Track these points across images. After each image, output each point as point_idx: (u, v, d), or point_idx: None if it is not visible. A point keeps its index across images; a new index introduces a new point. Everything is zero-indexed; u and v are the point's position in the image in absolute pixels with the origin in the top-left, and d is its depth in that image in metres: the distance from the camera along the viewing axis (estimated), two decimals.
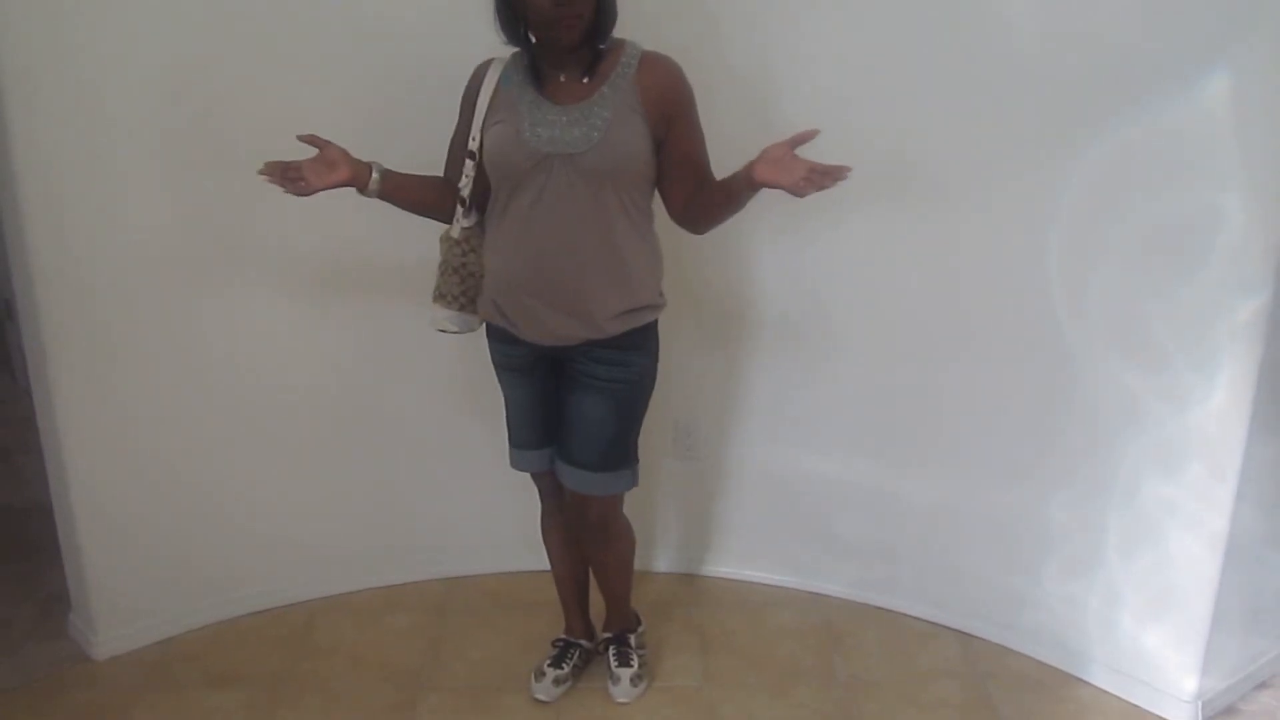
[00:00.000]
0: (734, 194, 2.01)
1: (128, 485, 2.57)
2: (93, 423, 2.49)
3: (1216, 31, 2.11)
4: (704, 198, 2.10)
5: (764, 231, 2.65)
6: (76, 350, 2.44)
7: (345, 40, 2.52)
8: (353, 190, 2.04)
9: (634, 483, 2.27)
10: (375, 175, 2.04)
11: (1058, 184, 2.35)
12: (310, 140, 1.98)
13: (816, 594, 2.91)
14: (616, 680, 2.48)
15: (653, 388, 2.24)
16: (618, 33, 2.08)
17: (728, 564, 3.01)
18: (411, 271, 2.43)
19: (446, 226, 2.21)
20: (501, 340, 2.22)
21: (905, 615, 2.82)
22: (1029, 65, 2.32)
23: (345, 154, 2.00)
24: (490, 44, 2.09)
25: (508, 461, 2.37)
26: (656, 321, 2.20)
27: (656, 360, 2.23)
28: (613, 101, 2.02)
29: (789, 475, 2.87)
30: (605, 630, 2.57)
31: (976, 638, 2.72)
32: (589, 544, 2.39)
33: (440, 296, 2.23)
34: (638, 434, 2.26)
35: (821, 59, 2.52)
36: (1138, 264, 2.29)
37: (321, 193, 1.99)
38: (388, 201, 2.10)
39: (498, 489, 2.70)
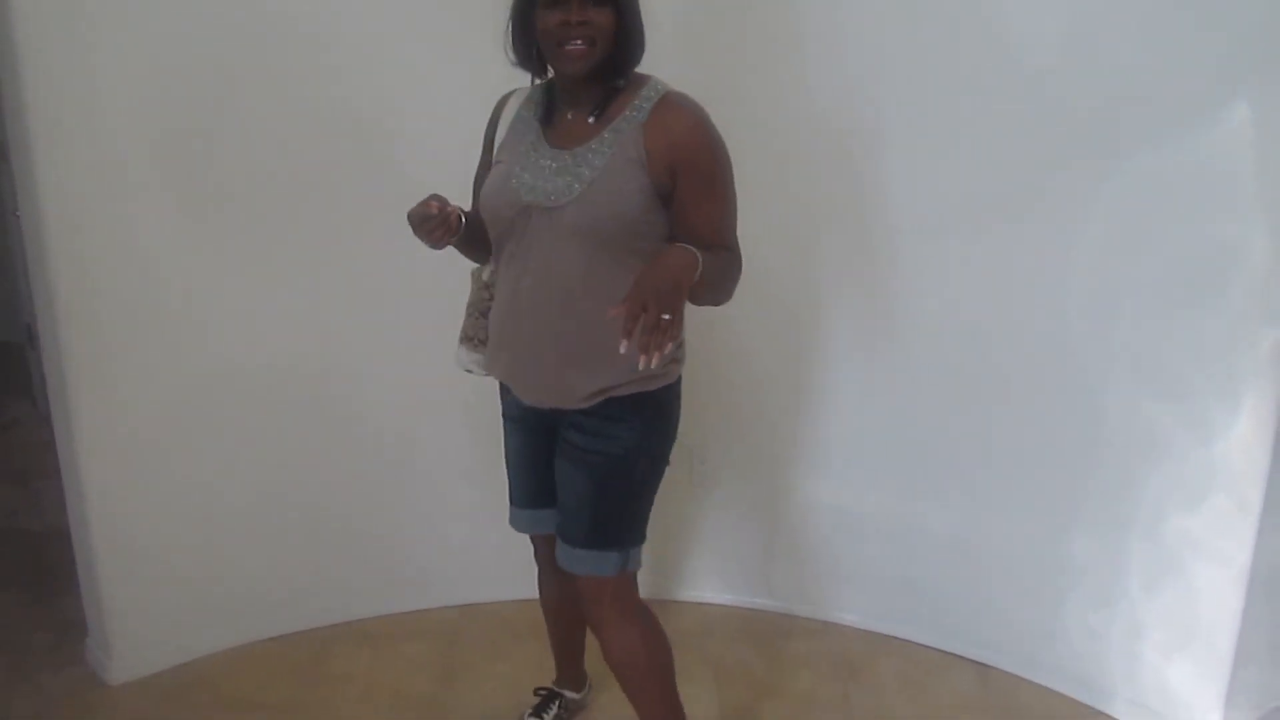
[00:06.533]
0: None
1: (145, 511, 2.58)
2: (111, 448, 2.50)
3: (1236, 63, 2.11)
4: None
5: (780, 265, 2.66)
6: (96, 376, 2.45)
7: (351, 78, 2.54)
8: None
9: (621, 567, 1.97)
10: (461, 222, 1.85)
11: (1078, 217, 2.35)
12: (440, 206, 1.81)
13: (833, 624, 2.89)
14: None
15: (652, 466, 1.97)
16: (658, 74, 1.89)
17: (743, 593, 2.98)
18: (434, 305, 2.42)
19: (478, 266, 2.08)
20: (502, 386, 2.09)
21: (923, 646, 2.79)
22: (1050, 99, 2.32)
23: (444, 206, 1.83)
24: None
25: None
26: (659, 392, 1.92)
27: (658, 436, 1.95)
28: (611, 149, 1.79)
29: (805, 505, 2.85)
30: None
31: (995, 670, 2.69)
32: (593, 631, 2.13)
33: (467, 339, 2.07)
34: (635, 515, 1.98)
35: (845, 93, 2.53)
36: (1160, 296, 2.28)
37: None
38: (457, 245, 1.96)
39: None
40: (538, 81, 1.93)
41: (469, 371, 2.12)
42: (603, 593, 2.01)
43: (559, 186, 1.80)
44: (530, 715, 2.43)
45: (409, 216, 1.83)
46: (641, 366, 1.61)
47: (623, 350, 1.61)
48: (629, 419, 1.90)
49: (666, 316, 1.60)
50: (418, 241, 1.86)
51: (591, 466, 1.92)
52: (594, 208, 1.78)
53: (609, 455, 1.91)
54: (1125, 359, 2.35)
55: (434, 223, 1.79)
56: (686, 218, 1.82)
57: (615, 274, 1.79)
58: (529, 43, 1.83)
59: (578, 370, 1.86)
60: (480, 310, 2.06)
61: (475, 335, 2.06)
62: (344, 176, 2.59)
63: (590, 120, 1.83)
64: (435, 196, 1.82)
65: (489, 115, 2.02)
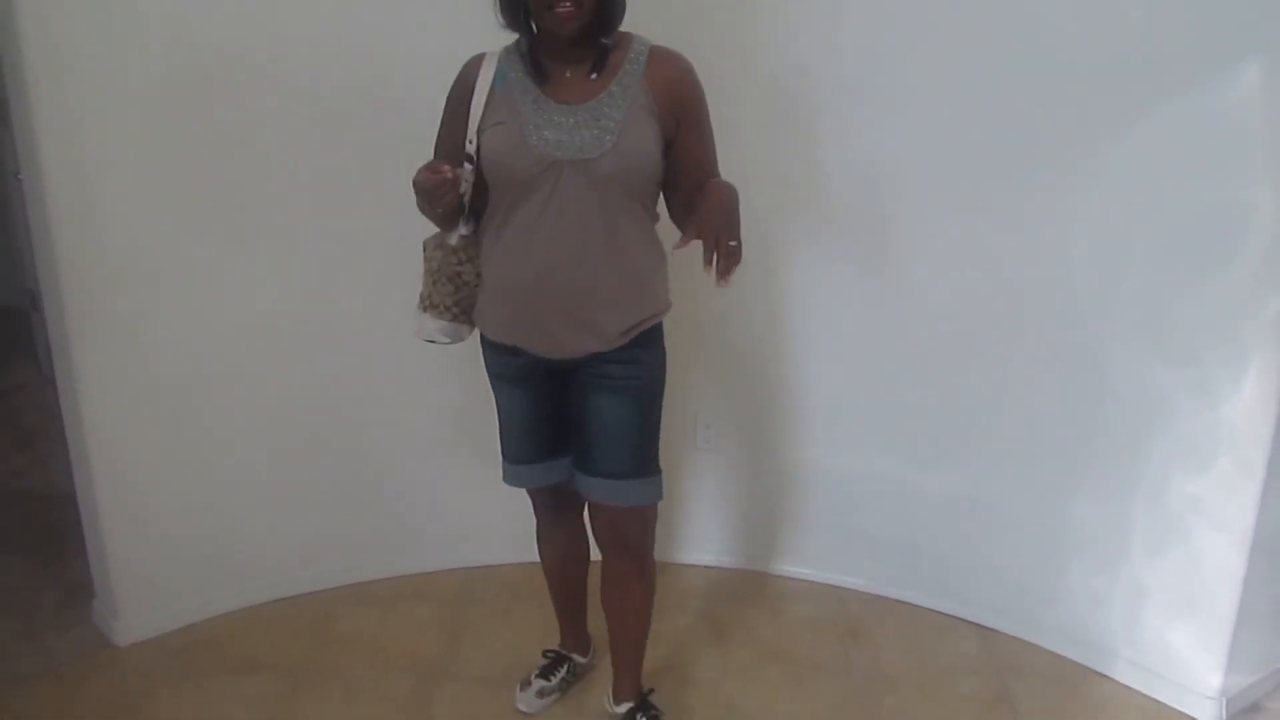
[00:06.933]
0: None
1: (151, 472, 2.59)
2: (116, 411, 2.51)
3: (1247, 25, 2.08)
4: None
5: (782, 232, 2.64)
6: (100, 339, 2.45)
7: (344, 37, 2.52)
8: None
9: (662, 494, 2.11)
10: None
11: (1086, 179, 2.33)
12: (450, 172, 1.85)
13: (836, 587, 2.90)
14: None
15: (664, 389, 2.10)
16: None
17: (747, 556, 3.00)
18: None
19: (436, 232, 2.08)
20: (500, 350, 2.08)
21: (926, 609, 2.81)
22: (1058, 60, 2.30)
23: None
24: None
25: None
26: (661, 322, 2.07)
27: (665, 360, 2.09)
28: (623, 100, 1.88)
29: (810, 468, 2.86)
30: (622, 700, 2.32)
31: (997, 632, 2.70)
32: (619, 575, 2.20)
33: (431, 306, 2.08)
34: (658, 439, 2.11)
35: (849, 52, 2.51)
36: (1166, 259, 2.26)
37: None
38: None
39: None
40: (506, 45, 1.97)
41: (430, 342, 2.13)
42: (648, 520, 2.15)
43: (588, 139, 1.87)
44: (538, 676, 2.45)
45: (417, 185, 1.84)
46: (719, 285, 1.71)
47: (711, 275, 1.72)
48: (652, 346, 2.05)
49: (733, 243, 1.72)
50: (418, 203, 1.90)
51: (636, 391, 2.03)
52: (627, 157, 1.87)
53: (646, 379, 2.05)
54: (1130, 323, 2.34)
55: (447, 186, 1.84)
56: (687, 157, 1.95)
57: (638, 217, 1.95)
58: (517, 6, 1.89)
59: (616, 311, 1.97)
60: (448, 275, 2.06)
61: (441, 302, 2.08)
62: (349, 136, 2.57)
63: (592, 76, 1.90)
64: (435, 162, 1.85)
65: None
